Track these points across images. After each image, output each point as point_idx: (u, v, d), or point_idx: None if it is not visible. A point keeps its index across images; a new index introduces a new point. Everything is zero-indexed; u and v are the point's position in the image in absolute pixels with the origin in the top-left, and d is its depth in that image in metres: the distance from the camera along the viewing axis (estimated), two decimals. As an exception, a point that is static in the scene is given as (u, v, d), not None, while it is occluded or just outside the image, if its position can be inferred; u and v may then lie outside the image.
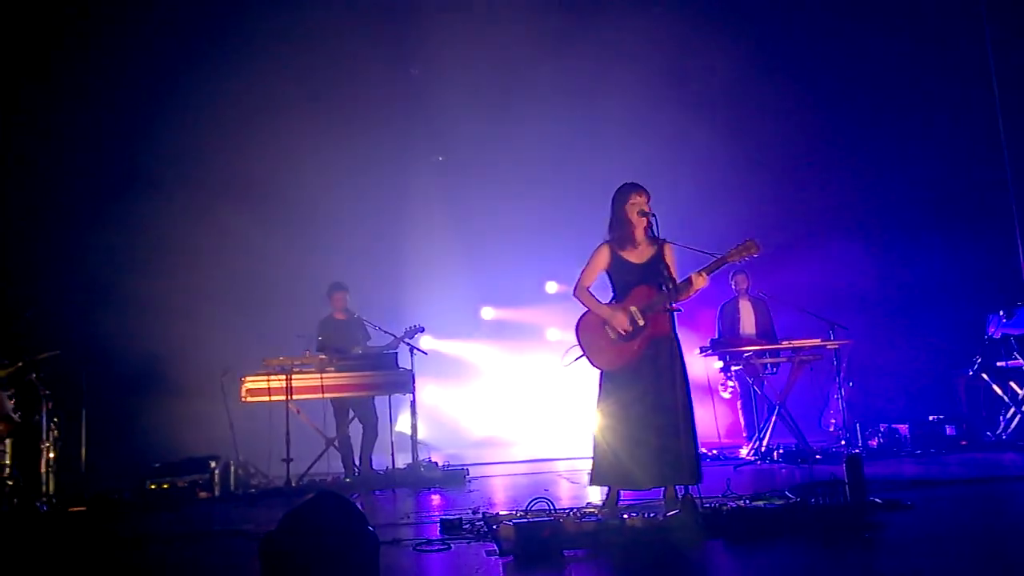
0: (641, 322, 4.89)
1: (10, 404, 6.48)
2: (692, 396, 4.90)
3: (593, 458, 4.96)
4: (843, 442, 8.06)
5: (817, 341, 7.76)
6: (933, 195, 10.29)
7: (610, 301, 5.06)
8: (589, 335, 5.05)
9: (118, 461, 8.02)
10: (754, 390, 8.08)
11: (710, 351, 8.04)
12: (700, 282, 4.79)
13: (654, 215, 4.97)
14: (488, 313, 11.48)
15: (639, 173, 5.28)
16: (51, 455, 6.75)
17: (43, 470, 6.65)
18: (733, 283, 8.63)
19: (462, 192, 10.76)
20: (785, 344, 7.79)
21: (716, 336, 8.44)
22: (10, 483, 6.31)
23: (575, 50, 10.23)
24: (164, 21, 9.43)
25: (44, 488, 6.63)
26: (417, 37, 10.26)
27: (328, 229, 10.19)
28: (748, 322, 8.54)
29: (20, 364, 6.64)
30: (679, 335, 4.97)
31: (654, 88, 10.30)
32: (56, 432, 6.89)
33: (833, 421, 8.85)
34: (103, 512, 6.31)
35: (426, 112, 10.53)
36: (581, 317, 5.11)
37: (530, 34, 10.13)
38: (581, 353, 5.05)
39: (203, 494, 7.10)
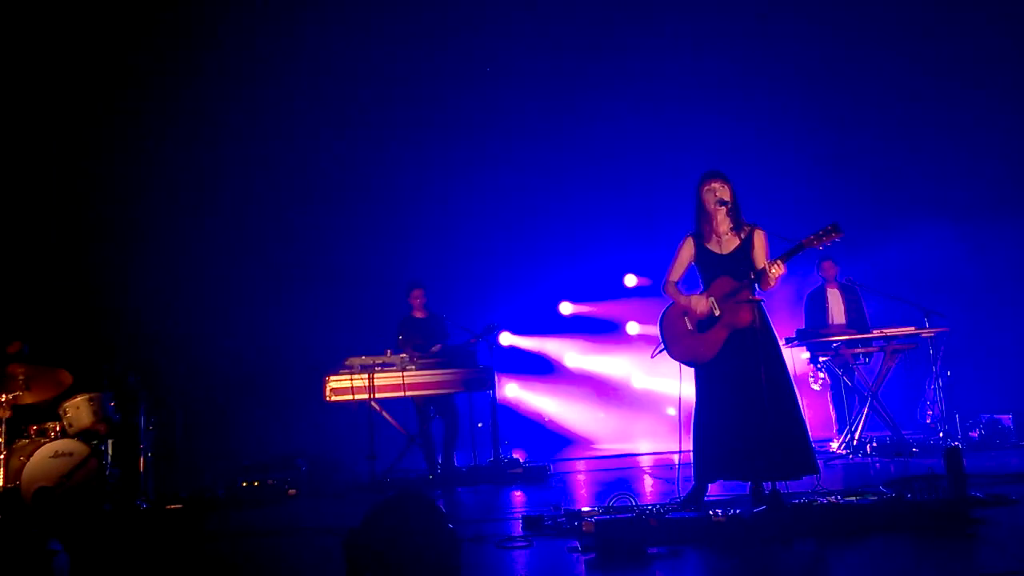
0: (717, 312, 4.80)
1: (111, 406, 6.78)
2: (792, 384, 4.79)
3: (693, 452, 4.90)
4: (941, 434, 7.69)
5: (911, 329, 7.41)
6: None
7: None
8: (669, 326, 5.04)
9: (211, 459, 8.31)
10: (844, 381, 7.79)
11: (796, 342, 7.78)
12: (777, 270, 4.66)
13: (729, 204, 4.85)
14: (566, 308, 11.41)
15: (721, 159, 5.17)
16: (149, 454, 7.02)
17: (141, 469, 6.93)
18: (820, 270, 8.32)
19: (538, 187, 10.73)
20: (877, 333, 7.47)
21: (804, 326, 8.15)
22: (112, 482, 6.60)
23: (652, 35, 10.09)
24: (241, 28, 9.69)
25: (143, 486, 6.90)
26: (488, 30, 10.29)
27: (406, 227, 10.33)
28: (837, 310, 8.21)
29: (120, 367, 6.94)
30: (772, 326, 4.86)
31: (735, 71, 10.08)
32: (153, 432, 7.17)
33: (930, 412, 8.44)
34: (198, 509, 6.53)
35: (500, 107, 10.54)
36: (665, 309, 5.08)
37: (604, 19, 10.03)
38: (663, 347, 5.01)
39: (292, 491, 7.28)
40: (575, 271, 11.07)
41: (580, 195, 10.68)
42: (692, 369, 5.00)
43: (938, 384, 7.72)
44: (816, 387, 8.12)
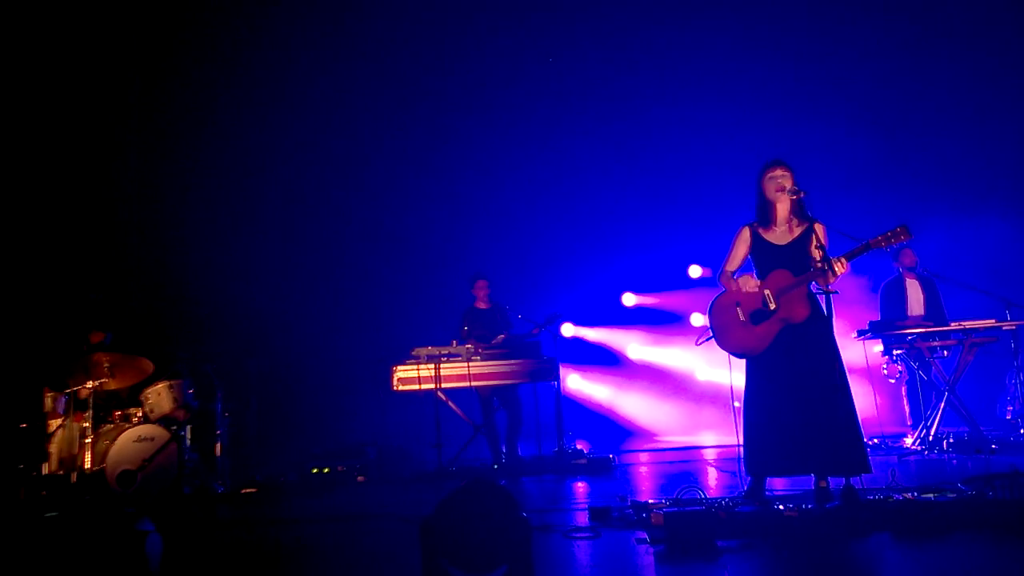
0: (773, 305, 4.71)
1: (189, 393, 7.03)
2: (848, 381, 4.65)
3: (744, 446, 4.84)
4: (1022, 431, 7.41)
5: (991, 322, 7.13)
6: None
7: None
8: (720, 316, 4.96)
9: (284, 446, 8.53)
10: (920, 375, 7.56)
11: (869, 334, 7.58)
12: (841, 268, 4.57)
13: (802, 193, 4.76)
14: (629, 299, 11.34)
15: (786, 150, 5.08)
16: (225, 440, 7.25)
17: (218, 454, 7.16)
18: (897, 259, 8.00)
19: (601, 176, 10.68)
20: (955, 325, 7.21)
21: (879, 318, 7.89)
22: (191, 466, 6.84)
23: (716, 27, 9.93)
24: (303, 24, 9.86)
25: (219, 470, 7.13)
26: (552, 26, 10.26)
27: (471, 219, 10.39)
28: (916, 301, 7.88)
29: (198, 356, 7.18)
30: (832, 318, 4.73)
31: (799, 64, 9.86)
32: (229, 419, 7.40)
33: (1010, 408, 8.13)
34: (272, 493, 6.72)
35: (563, 97, 10.51)
36: (715, 298, 5.02)
37: (669, 9, 9.95)
38: (711, 335, 4.94)
39: (360, 478, 7.42)
40: (638, 262, 10.99)
41: (644, 185, 10.58)
42: (743, 361, 4.92)
43: (1019, 379, 7.44)
44: (891, 380, 7.89)
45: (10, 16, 7.97)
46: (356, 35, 9.90)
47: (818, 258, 4.69)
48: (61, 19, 8.40)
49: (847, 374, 4.69)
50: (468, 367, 7.69)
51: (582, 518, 4.78)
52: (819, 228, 4.81)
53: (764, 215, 4.92)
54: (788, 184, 4.81)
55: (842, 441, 4.54)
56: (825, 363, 4.61)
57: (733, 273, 4.99)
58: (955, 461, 6.58)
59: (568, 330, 10.82)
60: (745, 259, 5.01)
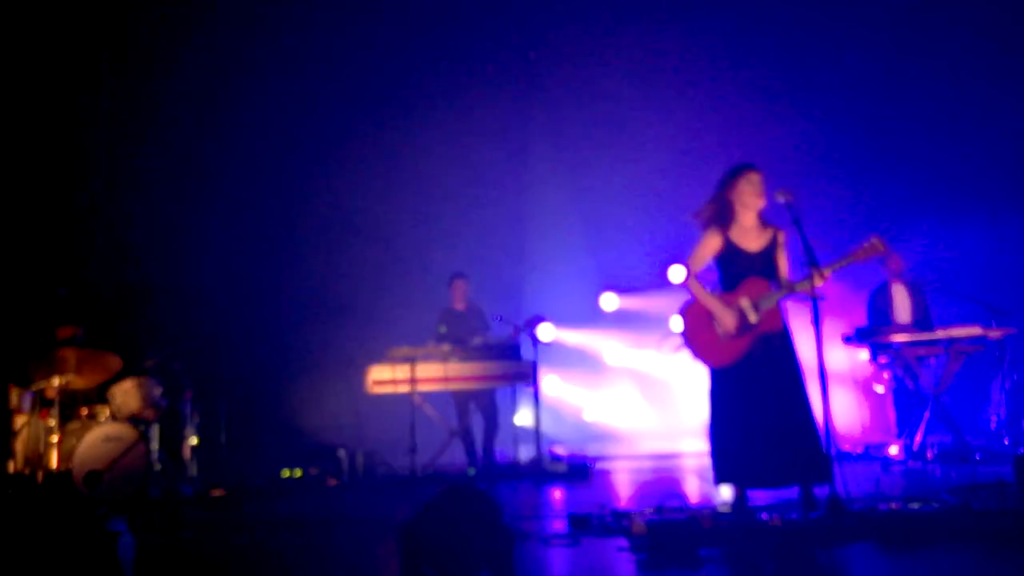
0: (753, 319, 4.58)
1: (158, 392, 6.82)
2: (807, 390, 4.61)
3: (712, 456, 4.72)
4: (1007, 441, 7.36)
5: (977, 329, 7.04)
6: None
7: (717, 291, 4.79)
8: (695, 328, 4.76)
9: (254, 447, 8.34)
10: (906, 384, 7.47)
11: (855, 341, 7.49)
12: (819, 280, 4.47)
13: (791, 197, 4.64)
14: (609, 300, 11.22)
15: (770, 153, 5.00)
16: (193, 441, 7.06)
17: (186, 456, 6.97)
18: (885, 265, 7.82)
19: (581, 175, 10.56)
20: (941, 333, 7.12)
21: (866, 324, 7.77)
22: (158, 467, 6.64)
23: (700, 25, 9.88)
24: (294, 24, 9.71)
25: (187, 472, 6.95)
26: (535, 18, 10.16)
27: (446, 216, 10.24)
28: (903, 309, 7.75)
29: (167, 354, 6.99)
30: (791, 328, 4.71)
31: (780, 67, 9.83)
32: (198, 419, 7.21)
33: (995, 417, 8.08)
34: (242, 496, 6.56)
35: (542, 91, 10.40)
36: (687, 307, 4.83)
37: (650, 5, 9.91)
38: (683, 344, 4.79)
39: (332, 481, 7.27)
40: (620, 263, 10.86)
41: (623, 185, 10.48)
42: (707, 368, 4.78)
43: (1005, 388, 7.40)
44: (879, 389, 7.81)
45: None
46: (326, 21, 9.74)
47: (783, 267, 4.69)
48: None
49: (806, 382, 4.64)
50: (445, 369, 7.55)
51: (561, 526, 4.65)
52: (783, 236, 4.75)
53: (729, 219, 4.77)
54: (761, 189, 4.71)
55: (813, 451, 4.51)
56: (795, 375, 4.60)
57: (696, 276, 4.84)
58: (939, 471, 6.52)
59: (548, 332, 10.68)
60: (709, 263, 4.85)
